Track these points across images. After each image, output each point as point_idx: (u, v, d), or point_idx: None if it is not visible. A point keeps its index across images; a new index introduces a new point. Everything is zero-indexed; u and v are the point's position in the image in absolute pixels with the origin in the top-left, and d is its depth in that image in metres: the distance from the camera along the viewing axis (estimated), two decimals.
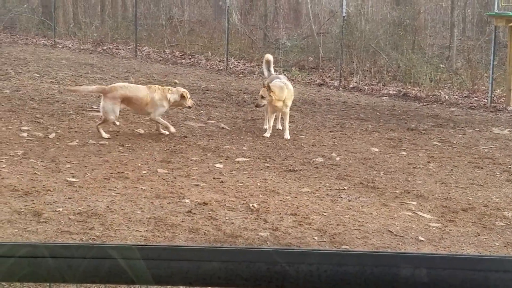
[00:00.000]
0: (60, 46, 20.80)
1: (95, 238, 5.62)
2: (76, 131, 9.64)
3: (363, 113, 12.44)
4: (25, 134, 9.26)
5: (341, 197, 7.21)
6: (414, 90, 15.18)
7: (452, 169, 8.61)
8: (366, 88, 15.56)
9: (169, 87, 10.12)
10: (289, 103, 10.20)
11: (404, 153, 9.40)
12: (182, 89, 9.98)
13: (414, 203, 7.09)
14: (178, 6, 25.10)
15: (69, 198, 6.62)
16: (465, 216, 6.73)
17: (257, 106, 10.39)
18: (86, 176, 7.47)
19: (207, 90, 14.09)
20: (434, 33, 19.73)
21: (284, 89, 10.02)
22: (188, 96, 9.86)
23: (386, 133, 10.74)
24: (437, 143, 10.13)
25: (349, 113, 12.40)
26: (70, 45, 21.07)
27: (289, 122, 11.16)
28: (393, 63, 16.93)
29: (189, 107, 10.06)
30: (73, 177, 7.39)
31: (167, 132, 9.76)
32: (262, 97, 10.02)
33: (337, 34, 18.29)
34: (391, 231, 6.18)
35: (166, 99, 9.69)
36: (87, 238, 5.59)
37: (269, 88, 9.90)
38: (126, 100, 9.62)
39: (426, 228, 6.33)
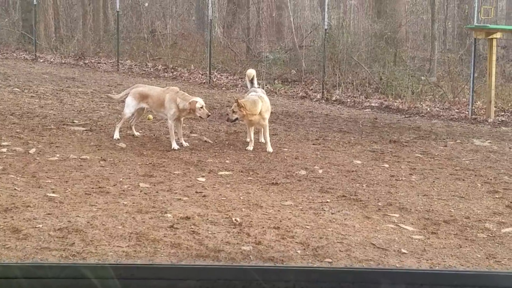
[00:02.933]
0: (41, 60, 20.70)
1: (75, 254, 5.56)
2: (57, 146, 9.57)
3: (345, 126, 12.46)
4: (4, 150, 9.17)
5: (324, 210, 7.19)
6: (396, 102, 15.25)
7: (434, 181, 8.64)
8: (349, 100, 15.61)
9: (185, 93, 10.23)
10: (266, 115, 10.12)
11: (387, 166, 9.42)
12: (196, 99, 9.96)
13: (397, 215, 7.10)
14: (161, 19, 25.09)
15: (49, 214, 6.55)
16: (447, 228, 6.74)
17: (228, 120, 10.47)
18: (66, 191, 7.40)
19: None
20: (415, 45, 19.85)
21: (257, 103, 9.96)
22: (200, 106, 9.79)
23: (368, 145, 10.76)
24: (419, 155, 10.16)
25: (332, 126, 12.42)
26: (51, 59, 20.97)
27: (272, 134, 11.16)
28: (375, 75, 17.00)
29: (200, 117, 10.04)
30: (53, 192, 7.32)
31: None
32: (233, 112, 10.01)
33: (319, 47, 18.35)
34: (374, 244, 6.17)
35: (175, 103, 9.78)
36: (67, 255, 5.53)
37: (238, 103, 9.86)
38: (144, 97, 10.22)
39: (408, 240, 6.33)
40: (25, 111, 12.10)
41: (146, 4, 24.60)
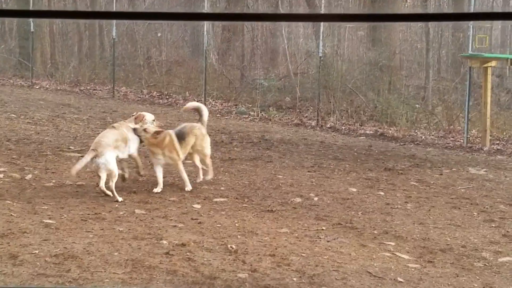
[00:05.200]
0: (38, 87, 20.75)
1: (71, 280, 5.55)
2: (53, 172, 9.57)
3: (340, 153, 12.50)
4: (1, 175, 9.17)
5: (320, 238, 7.20)
6: (390, 130, 15.32)
7: (429, 210, 8.65)
8: (343, 128, 15.67)
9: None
10: (173, 155, 9.07)
11: (382, 193, 9.44)
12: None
13: (393, 243, 7.10)
14: (156, 47, 25.22)
15: (45, 240, 6.54)
16: (443, 257, 6.74)
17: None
18: (63, 217, 7.40)
19: None
20: (410, 73, 19.99)
21: (165, 137, 9.06)
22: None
23: (363, 173, 10.78)
24: (415, 183, 10.18)
25: (327, 153, 12.46)
26: (47, 86, 21.03)
27: (266, 162, 11.20)
28: (370, 103, 17.09)
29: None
30: (49, 218, 7.32)
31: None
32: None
33: (313, 74, 18.46)
34: (370, 272, 6.18)
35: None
36: (63, 281, 5.51)
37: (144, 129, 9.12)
38: None
39: (405, 269, 6.33)
40: (21, 137, 12.11)
41: (159, 35, 24.78)
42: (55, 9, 23.99)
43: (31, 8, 21.70)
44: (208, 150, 9.40)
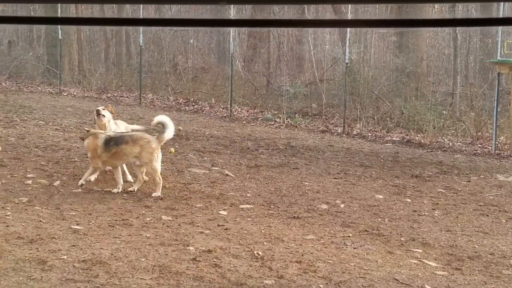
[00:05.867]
0: (65, 94, 20.95)
1: (99, 286, 5.59)
2: (80, 178, 9.64)
3: (367, 160, 12.45)
4: (30, 182, 9.27)
5: (346, 245, 7.18)
6: (417, 137, 15.22)
7: (457, 217, 8.59)
8: (370, 134, 15.61)
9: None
10: (91, 158, 9.17)
11: (409, 200, 9.39)
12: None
13: (420, 250, 7.06)
14: (182, 54, 25.35)
15: (73, 245, 6.60)
16: (471, 264, 6.69)
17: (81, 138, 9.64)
18: (90, 223, 7.46)
19: (211, 137, 14.14)
20: (437, 80, 19.86)
21: (93, 138, 9.14)
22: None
23: (390, 180, 10.73)
24: (442, 190, 10.11)
25: (353, 160, 12.41)
26: (74, 93, 21.22)
27: (293, 168, 11.19)
28: (396, 109, 17.01)
29: None
30: (77, 224, 7.38)
31: None
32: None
33: (340, 81, 18.42)
34: (397, 279, 6.15)
35: None
36: (91, 287, 5.56)
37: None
38: None
39: (432, 276, 6.29)
40: (49, 143, 12.23)
41: (191, 41, 24.95)
42: (82, 16, 24.25)
43: (59, 15, 21.94)
44: (155, 165, 9.02)
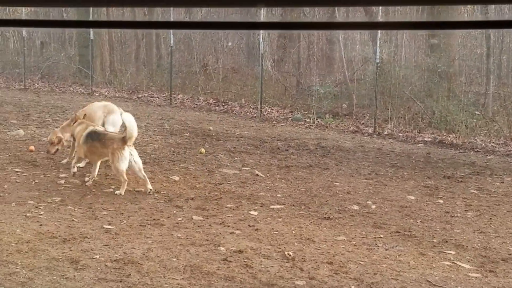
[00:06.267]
0: (97, 94, 21.11)
1: (131, 286, 5.62)
2: (112, 178, 9.71)
3: (398, 161, 12.36)
4: (62, 181, 9.36)
5: (378, 246, 7.13)
6: (449, 137, 15.07)
7: (491, 218, 8.48)
8: (401, 135, 15.50)
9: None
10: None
11: (441, 201, 9.30)
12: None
13: (453, 252, 6.99)
14: (212, 54, 25.42)
15: (105, 245, 6.65)
16: (505, 267, 6.60)
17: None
18: (122, 223, 7.51)
19: (241, 137, 14.15)
20: (469, 79, 19.65)
21: (83, 127, 9.61)
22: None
23: (422, 180, 10.64)
24: (475, 191, 10.00)
25: (384, 160, 12.33)
26: (106, 93, 21.38)
27: (323, 169, 11.16)
28: (428, 110, 16.86)
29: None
30: (109, 224, 7.43)
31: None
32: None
33: (370, 81, 18.32)
34: (429, 281, 6.09)
35: None
36: (123, 286, 5.59)
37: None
38: None
39: (465, 278, 6.22)
40: None
41: (229, 44, 25.04)
42: (113, 19, 24.44)
43: (90, 18, 22.14)
44: (117, 165, 8.94)
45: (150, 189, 9.01)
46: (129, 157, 8.96)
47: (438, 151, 13.69)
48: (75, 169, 9.60)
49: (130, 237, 6.97)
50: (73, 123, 9.85)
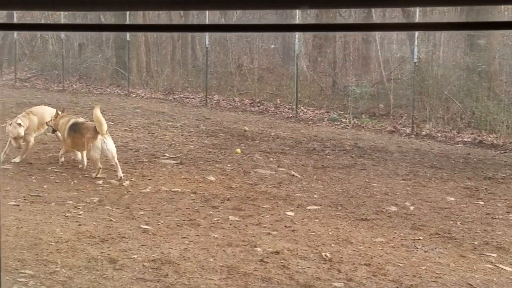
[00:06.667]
0: (134, 95, 21.26)
1: (169, 286, 5.63)
2: (149, 179, 9.76)
3: (437, 161, 12.20)
4: (100, 182, 9.43)
5: (417, 248, 7.04)
6: (490, 137, 14.83)
7: None
8: (439, 135, 15.30)
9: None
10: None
11: (482, 203, 9.14)
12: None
13: (494, 255, 6.86)
14: (247, 54, 25.43)
15: (143, 245, 6.67)
16: None
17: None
18: (159, 223, 7.53)
19: (276, 138, 14.10)
20: (510, 79, 19.33)
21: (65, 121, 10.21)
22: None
23: (461, 181, 10.48)
24: None
25: (423, 161, 12.18)
26: (142, 94, 21.51)
27: (360, 169, 11.07)
28: (467, 110, 16.63)
29: None
30: (146, 224, 7.46)
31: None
32: None
33: (408, 81, 18.14)
34: (470, 284, 5.98)
35: None
36: (161, 286, 5.59)
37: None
38: None
39: (508, 281, 6.10)
40: (118, 144, 12.38)
41: (273, 46, 25.07)
42: (149, 22, 24.60)
43: (127, 21, 22.32)
44: (90, 154, 9.78)
45: (121, 177, 9.53)
46: (103, 145, 9.64)
47: (478, 152, 13.48)
48: (63, 159, 10.36)
49: (167, 237, 6.98)
50: (56, 118, 10.36)
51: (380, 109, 18.40)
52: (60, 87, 22.80)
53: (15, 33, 24.90)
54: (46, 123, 10.58)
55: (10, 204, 8.08)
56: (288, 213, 8.28)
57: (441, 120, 16.37)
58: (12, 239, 6.71)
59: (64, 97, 20.01)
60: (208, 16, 22.36)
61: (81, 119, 10.38)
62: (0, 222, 7.27)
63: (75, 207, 8.06)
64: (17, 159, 10.43)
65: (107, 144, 9.68)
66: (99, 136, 9.60)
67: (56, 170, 10.02)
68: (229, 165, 10.96)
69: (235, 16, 25.79)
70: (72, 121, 10.12)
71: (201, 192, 9.11)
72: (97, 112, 9.79)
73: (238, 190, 9.35)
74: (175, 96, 21.31)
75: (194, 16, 25.43)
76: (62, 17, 24.13)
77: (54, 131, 10.47)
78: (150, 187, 9.24)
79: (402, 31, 18.81)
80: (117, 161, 9.72)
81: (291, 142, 13.60)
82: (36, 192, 8.75)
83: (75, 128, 9.94)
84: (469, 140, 14.74)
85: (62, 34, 24.57)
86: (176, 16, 26.32)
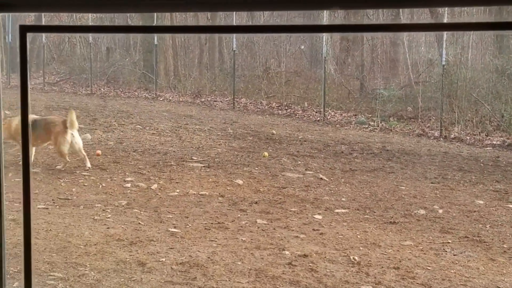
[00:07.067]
0: (161, 99, 21.38)
1: None
2: (177, 182, 9.81)
3: (465, 164, 12.10)
4: (128, 185, 9.50)
5: (446, 251, 6.99)
6: None
7: None
8: (468, 138, 15.17)
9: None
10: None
11: (511, 206, 9.05)
12: None
13: None
14: (275, 58, 25.44)
15: (171, 248, 6.71)
16: None
17: None
18: (187, 226, 7.56)
19: (304, 141, 14.09)
20: None
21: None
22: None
23: (491, 185, 10.38)
24: None
25: (451, 164, 12.09)
26: (170, 97, 21.63)
27: (388, 172, 11.01)
28: (496, 112, 16.47)
29: None
30: (174, 227, 7.50)
31: None
32: None
33: (436, 83, 18.02)
34: None
35: None
36: None
37: None
38: None
39: None
40: (147, 147, 12.50)
41: (302, 47, 25.12)
42: (177, 23, 24.72)
43: (155, 23, 22.44)
44: (61, 148, 10.17)
45: (89, 167, 10.10)
46: (72, 139, 10.12)
47: (508, 155, 13.34)
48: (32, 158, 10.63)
49: (195, 240, 7.01)
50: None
51: (408, 112, 18.29)
52: (88, 90, 23.01)
53: (43, 36, 25.19)
54: None
55: (39, 207, 8.18)
56: (316, 216, 8.27)
57: (470, 123, 16.23)
58: (41, 242, 6.79)
59: (92, 100, 20.18)
60: (235, 19, 22.40)
61: (35, 116, 10.65)
62: (31, 225, 7.34)
63: (103, 210, 8.13)
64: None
65: (75, 137, 10.19)
66: (69, 131, 10.07)
67: (84, 173, 10.11)
68: (256, 168, 10.97)
69: (263, 18, 25.82)
70: (30, 119, 10.17)
71: (229, 195, 9.14)
72: (73, 115, 10.26)
73: (266, 193, 9.36)
74: (203, 100, 21.39)
75: (222, 19, 25.52)
76: (90, 21, 24.34)
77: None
78: (178, 190, 9.28)
79: (429, 31, 18.70)
80: (84, 153, 10.34)
81: (319, 145, 13.58)
82: (65, 196, 8.84)
83: (35, 125, 10.13)
84: (498, 143, 14.60)
85: (90, 38, 24.80)
86: (203, 19, 26.43)
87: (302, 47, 25.04)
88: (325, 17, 19.42)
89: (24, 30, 1.85)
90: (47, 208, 8.19)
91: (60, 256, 6.37)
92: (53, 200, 8.61)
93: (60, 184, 9.45)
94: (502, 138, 14.97)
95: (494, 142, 14.65)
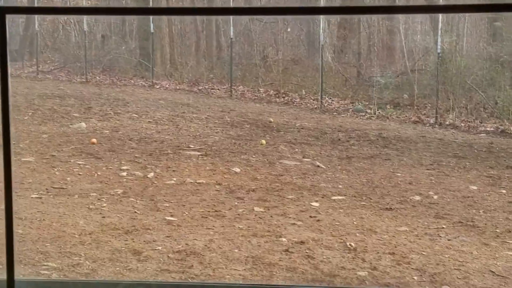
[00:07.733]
0: (158, 87, 21.37)
1: (194, 277, 5.71)
2: (173, 170, 9.86)
3: (460, 151, 12.16)
4: (124, 174, 9.53)
5: (440, 236, 7.07)
6: None
7: None
8: (463, 125, 15.24)
9: None
10: None
11: (504, 191, 9.13)
12: None
13: None
14: (272, 46, 25.42)
15: (167, 236, 6.76)
16: None
17: None
18: (184, 214, 7.61)
19: (301, 128, 14.13)
20: None
21: None
22: None
23: (484, 171, 10.45)
24: None
25: (446, 151, 12.15)
26: (166, 86, 21.61)
27: (384, 159, 11.07)
28: (490, 99, 16.53)
29: None
30: (171, 216, 7.55)
31: None
32: None
33: (431, 71, 18.05)
34: (493, 272, 6.01)
35: None
36: (186, 277, 5.68)
37: None
38: None
39: None
40: (143, 136, 12.53)
41: (289, 30, 25.10)
42: (173, 6, 24.63)
43: (151, 5, 22.38)
44: None
45: None
46: None
47: (501, 141, 13.41)
48: None
49: (192, 229, 7.07)
50: None
51: (405, 100, 18.33)
52: (83, 79, 22.95)
53: (36, 24, 25.06)
54: None
55: (32, 197, 8.19)
56: (313, 203, 8.33)
57: (464, 110, 16.29)
58: (34, 232, 6.81)
59: (87, 89, 20.16)
60: (232, 4, 22.36)
61: None
62: (13, 215, 7.38)
63: (98, 199, 8.17)
64: None
65: None
66: None
67: (79, 162, 10.14)
68: (254, 156, 11.02)
69: (260, 3, 25.79)
70: None
71: (226, 184, 9.19)
72: None
73: (263, 181, 9.41)
74: (200, 88, 21.39)
75: (218, 4, 25.47)
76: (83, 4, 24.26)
77: None
78: (174, 179, 9.33)
79: (424, 13, 18.67)
80: None
81: (316, 133, 13.63)
82: (59, 185, 8.85)
83: None
84: (492, 129, 14.67)
85: (85, 26, 24.71)
86: (199, 2, 26.38)
87: (288, 29, 24.99)
88: (322, 0, 19.42)
89: (3, 11, 1.80)
90: (40, 198, 8.17)
91: (54, 246, 6.39)
92: (47, 189, 8.60)
93: (54, 173, 9.46)
94: (495, 125, 15.03)
95: (488, 129, 14.72)
